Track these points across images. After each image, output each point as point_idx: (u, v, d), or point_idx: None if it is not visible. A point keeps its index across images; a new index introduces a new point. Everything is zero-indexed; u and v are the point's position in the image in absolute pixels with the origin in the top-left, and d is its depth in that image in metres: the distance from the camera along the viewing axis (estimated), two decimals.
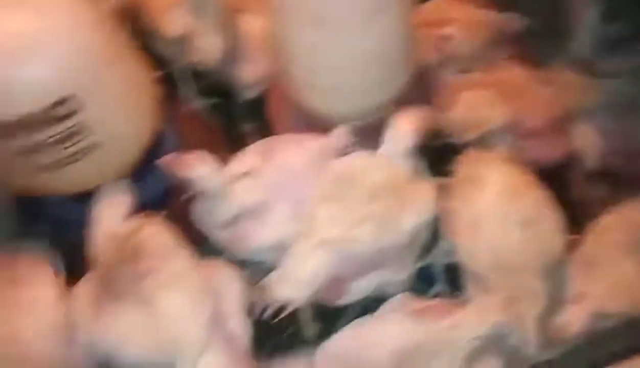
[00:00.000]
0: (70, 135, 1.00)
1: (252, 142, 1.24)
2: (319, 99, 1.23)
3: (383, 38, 1.13)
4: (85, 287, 1.00)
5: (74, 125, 1.00)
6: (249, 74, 1.47)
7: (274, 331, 1.30)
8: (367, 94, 1.21)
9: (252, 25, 1.45)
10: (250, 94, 1.55)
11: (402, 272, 1.13)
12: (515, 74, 1.41)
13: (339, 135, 1.19)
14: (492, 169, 1.14)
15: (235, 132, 1.65)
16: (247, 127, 1.64)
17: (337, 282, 1.07)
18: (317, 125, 1.24)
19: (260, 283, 1.06)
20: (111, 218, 1.03)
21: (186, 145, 1.36)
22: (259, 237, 1.11)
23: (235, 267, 1.14)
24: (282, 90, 1.38)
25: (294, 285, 1.02)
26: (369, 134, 1.19)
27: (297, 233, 1.07)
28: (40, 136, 0.98)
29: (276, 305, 1.20)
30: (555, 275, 1.09)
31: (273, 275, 1.05)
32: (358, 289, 1.10)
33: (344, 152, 1.20)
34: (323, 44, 1.11)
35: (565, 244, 1.10)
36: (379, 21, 1.09)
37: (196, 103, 1.56)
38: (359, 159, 1.13)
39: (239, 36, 1.44)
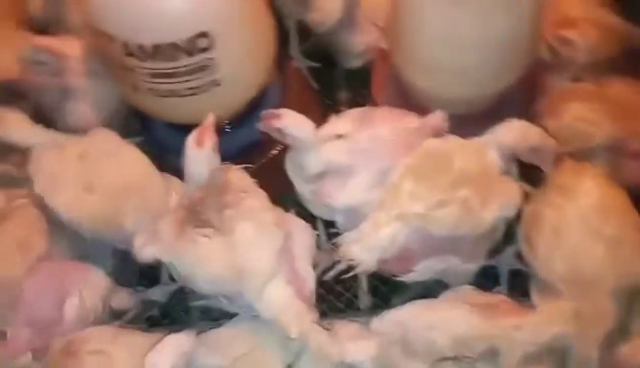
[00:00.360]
0: (198, 69, 1.08)
1: (347, 110, 1.26)
2: (429, 78, 1.23)
3: (518, 22, 1.09)
4: (173, 212, 1.09)
5: (203, 61, 1.07)
6: (358, 43, 1.52)
7: (333, 292, 1.38)
8: (481, 80, 1.19)
9: None
10: (354, 64, 1.60)
11: (471, 263, 1.14)
12: (628, 91, 1.34)
13: (437, 118, 1.19)
14: (587, 181, 1.11)
15: (332, 98, 1.73)
16: (344, 95, 1.72)
17: (406, 256, 1.10)
18: (419, 105, 1.25)
19: (334, 241, 1.11)
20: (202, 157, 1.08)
21: (285, 100, 1.44)
22: (338, 197, 1.15)
23: (309, 222, 1.21)
24: (388, 65, 1.39)
25: (366, 247, 1.06)
26: (469, 123, 1.19)
27: (378, 201, 1.10)
28: (175, 64, 1.06)
29: (343, 264, 1.29)
30: (630, 301, 1.06)
31: (348, 235, 1.09)
32: (424, 269, 1.12)
33: (438, 135, 1.20)
34: (457, 21, 1.08)
35: None
36: (520, 3, 1.05)
37: (301, 62, 1.63)
38: (454, 142, 1.13)
39: (357, 5, 1.47)
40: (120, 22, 1.03)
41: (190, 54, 1.06)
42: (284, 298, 1.04)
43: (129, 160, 1.17)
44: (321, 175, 1.16)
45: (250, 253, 1.03)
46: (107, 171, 1.14)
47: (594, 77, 1.36)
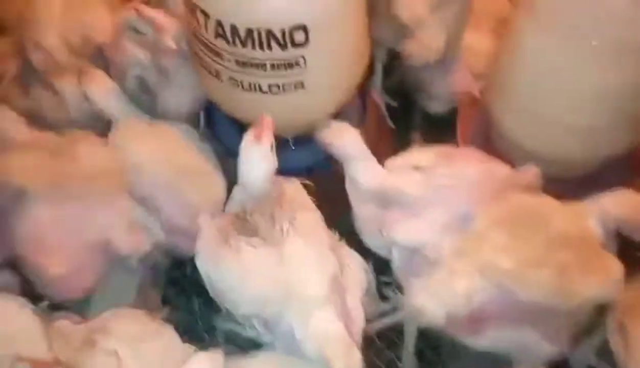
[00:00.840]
0: (287, 66, 1.01)
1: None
2: (531, 132, 1.12)
3: None
4: (219, 217, 1.01)
5: (294, 57, 1.00)
6: (448, 87, 1.42)
7: (373, 347, 1.23)
8: (593, 141, 1.07)
9: (472, 41, 1.39)
10: (437, 107, 1.50)
11: (551, 345, 0.97)
12: None
13: (532, 173, 1.07)
14: None
15: (405, 137, 1.65)
16: (418, 137, 1.63)
17: (480, 317, 0.94)
18: (509, 160, 1.12)
19: (399, 284, 0.98)
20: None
21: (362, 130, 1.35)
22: (403, 229, 1.04)
23: (362, 254, 1.09)
24: (478, 113, 1.30)
25: (437, 298, 0.92)
26: (564, 185, 1.05)
27: (455, 247, 0.97)
28: (265, 55, 0.99)
29: (392, 316, 1.14)
30: None
31: (417, 281, 0.96)
32: (496, 337, 0.96)
33: (529, 191, 1.07)
34: (574, 71, 0.99)
35: None
36: None
37: (380, 96, 1.55)
38: (552, 203, 1.00)
39: (456, 49, 1.38)
40: (218, 0, 0.97)
41: (283, 46, 0.98)
42: (333, 331, 0.90)
43: None
44: (386, 202, 1.06)
45: (301, 272, 0.93)
46: None
47: None
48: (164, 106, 1.23)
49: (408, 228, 1.03)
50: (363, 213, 1.09)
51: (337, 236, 1.05)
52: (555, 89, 1.03)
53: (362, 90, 1.32)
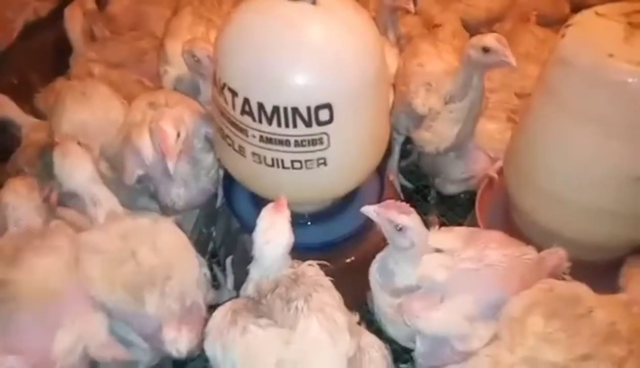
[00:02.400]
0: (312, 141, 0.99)
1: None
2: (555, 215, 1.07)
3: None
4: (232, 301, 0.96)
5: (319, 134, 0.99)
6: (464, 171, 1.40)
7: None
8: (620, 225, 1.01)
9: (487, 127, 1.39)
10: (453, 190, 1.48)
11: None
12: None
13: (559, 256, 1.01)
14: None
15: (421, 218, 1.59)
16: (433, 219, 1.59)
17: None
18: (530, 240, 1.07)
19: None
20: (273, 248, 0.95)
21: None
22: (428, 318, 0.95)
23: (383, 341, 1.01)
24: (494, 195, 1.27)
25: None
26: (591, 272, 0.99)
27: (492, 335, 0.90)
28: (290, 132, 0.98)
29: None
30: None
31: None
32: None
33: (554, 276, 1.01)
34: (600, 152, 0.96)
35: None
36: None
37: (397, 179, 1.55)
38: (589, 291, 0.92)
39: (471, 136, 1.38)
40: (245, 78, 0.97)
41: (308, 123, 0.97)
42: None
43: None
44: (410, 290, 0.98)
45: (313, 353, 0.87)
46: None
47: None
48: (168, 203, 1.21)
49: (432, 318, 0.95)
50: (386, 306, 1.02)
51: (356, 318, 0.98)
52: (579, 172, 1.00)
53: (380, 170, 1.30)
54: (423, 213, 1.54)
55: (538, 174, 1.07)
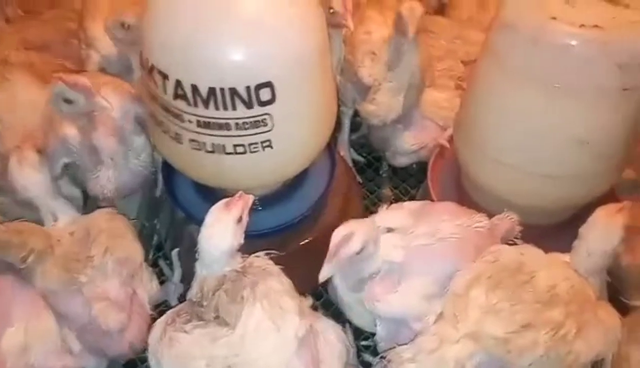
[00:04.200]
0: (254, 123, 0.93)
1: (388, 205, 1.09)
2: (506, 182, 1.07)
3: (620, 123, 0.95)
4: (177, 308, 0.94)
5: (261, 115, 0.92)
6: (412, 142, 1.39)
7: None
8: (569, 188, 1.02)
9: (434, 96, 1.38)
10: (404, 161, 1.47)
11: None
12: None
13: (511, 221, 1.02)
14: None
15: (374, 192, 1.59)
16: (387, 192, 1.57)
17: None
18: (483, 210, 1.06)
19: (388, 354, 0.88)
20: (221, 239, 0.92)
21: (328, 190, 1.29)
22: (388, 302, 0.95)
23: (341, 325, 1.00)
24: (448, 164, 1.26)
25: None
26: (542, 236, 1.00)
27: (440, 312, 0.89)
28: (229, 114, 0.91)
29: None
30: None
31: (402, 349, 0.86)
32: None
33: (507, 241, 1.02)
34: (552, 116, 0.95)
35: None
36: (629, 98, 0.91)
37: (348, 153, 1.52)
38: (535, 255, 0.93)
39: (416, 106, 1.36)
40: (176, 58, 0.89)
41: (248, 105, 0.90)
42: None
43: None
44: (373, 276, 0.96)
45: (255, 339, 0.85)
46: None
47: None
48: (97, 188, 1.13)
49: (391, 301, 0.94)
50: (352, 301, 1.00)
51: (309, 302, 0.96)
52: (525, 136, 0.99)
53: (331, 147, 1.27)
54: (376, 187, 1.55)
55: (485, 141, 1.06)
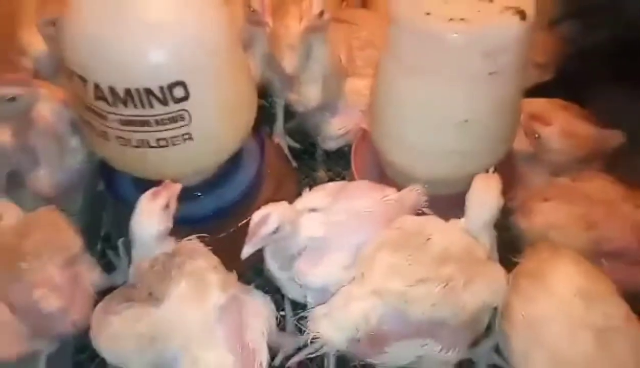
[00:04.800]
0: (172, 119, 1.02)
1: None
2: (407, 157, 1.19)
3: (498, 106, 1.08)
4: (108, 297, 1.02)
5: (178, 111, 1.01)
6: (338, 127, 1.50)
7: None
8: (457, 161, 1.15)
9: (356, 84, 1.49)
10: (332, 146, 1.57)
11: (451, 352, 1.00)
12: (606, 189, 1.30)
13: (415, 192, 1.14)
14: (566, 266, 1.02)
15: (310, 176, 1.69)
16: (322, 175, 1.67)
17: (380, 337, 0.96)
18: (398, 185, 1.18)
19: (304, 314, 0.99)
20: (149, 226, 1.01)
21: (261, 174, 1.39)
22: (313, 274, 1.05)
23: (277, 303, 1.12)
24: (369, 145, 1.36)
25: (337, 323, 0.94)
26: (446, 205, 1.12)
27: (351, 274, 1.00)
28: (147, 112, 1.00)
29: (309, 349, 1.14)
30: None
31: (319, 309, 0.97)
32: (398, 353, 0.98)
33: (415, 211, 1.15)
34: (434, 102, 1.07)
35: None
36: (496, 81, 1.03)
37: (283, 140, 1.62)
38: (434, 222, 1.06)
39: (339, 94, 1.47)
40: (92, 63, 0.97)
41: (164, 102, 0.99)
42: (223, 364, 0.91)
43: None
44: (300, 252, 1.06)
45: (178, 311, 0.94)
46: None
47: (572, 172, 1.33)
48: (35, 187, 1.20)
49: (316, 274, 1.05)
50: (284, 279, 1.09)
51: (235, 276, 1.05)
52: (418, 118, 1.11)
53: (259, 133, 1.37)
54: (312, 170, 1.66)
55: (388, 123, 1.18)
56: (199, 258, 1.00)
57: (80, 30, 0.97)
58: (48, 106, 1.17)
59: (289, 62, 1.36)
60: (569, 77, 1.70)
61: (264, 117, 1.47)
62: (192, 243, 1.04)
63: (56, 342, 1.11)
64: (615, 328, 0.94)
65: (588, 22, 1.72)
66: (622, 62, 1.52)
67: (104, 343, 0.96)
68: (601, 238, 1.17)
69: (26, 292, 1.00)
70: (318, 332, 0.94)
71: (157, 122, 1.02)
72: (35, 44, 1.31)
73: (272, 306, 1.09)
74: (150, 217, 0.99)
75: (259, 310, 1.03)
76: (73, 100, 1.09)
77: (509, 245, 1.19)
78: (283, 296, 1.19)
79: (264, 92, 1.54)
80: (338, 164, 1.64)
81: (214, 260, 1.02)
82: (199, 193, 1.30)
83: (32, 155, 1.17)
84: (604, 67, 1.62)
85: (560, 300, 0.98)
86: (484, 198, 1.02)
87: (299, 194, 1.26)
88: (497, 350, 1.08)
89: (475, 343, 1.08)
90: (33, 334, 1.05)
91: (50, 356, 1.11)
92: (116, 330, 0.95)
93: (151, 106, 0.99)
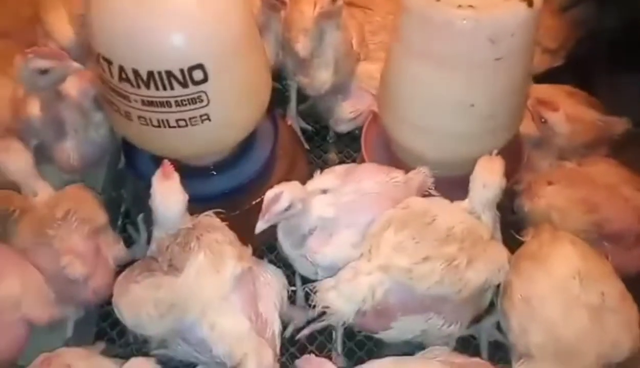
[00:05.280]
0: (190, 101, 1.06)
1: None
2: (415, 139, 1.22)
3: (504, 90, 1.10)
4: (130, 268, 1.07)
5: (196, 93, 1.06)
6: (349, 110, 1.55)
7: (305, 352, 1.28)
8: (464, 144, 1.18)
9: (368, 68, 1.52)
10: (344, 128, 1.61)
11: (454, 326, 1.05)
12: (609, 173, 1.33)
13: (422, 173, 1.18)
14: (565, 247, 1.05)
15: (321, 158, 1.72)
16: (333, 156, 1.71)
17: (386, 311, 1.01)
18: (407, 166, 1.22)
19: (313, 287, 1.03)
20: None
21: (274, 155, 1.44)
22: (323, 252, 1.10)
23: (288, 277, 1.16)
24: (379, 128, 1.39)
25: (344, 295, 0.99)
26: (452, 186, 1.16)
27: (359, 252, 1.05)
28: (168, 94, 1.05)
29: (318, 323, 1.20)
30: None
31: (325, 281, 1.02)
32: (404, 327, 1.03)
33: (422, 192, 1.19)
34: (442, 86, 1.10)
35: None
36: (502, 67, 1.05)
37: (295, 122, 1.65)
38: (439, 203, 1.10)
39: (350, 78, 1.51)
40: (117, 46, 1.02)
41: (184, 84, 1.04)
42: (240, 331, 0.97)
43: None
44: (311, 231, 1.10)
45: (195, 280, 0.99)
46: None
47: (577, 156, 1.35)
48: (61, 159, 1.26)
49: (326, 252, 1.09)
50: (295, 256, 1.14)
51: (250, 250, 1.11)
52: (427, 102, 1.14)
53: (273, 115, 1.41)
54: (323, 152, 1.71)
55: (398, 107, 1.21)
56: (216, 232, 1.05)
57: (107, 16, 1.01)
58: (76, 81, 1.22)
59: (302, 47, 1.40)
60: (579, 62, 1.72)
61: (277, 99, 1.51)
62: (210, 218, 1.10)
63: (82, 310, 1.19)
64: (610, 308, 0.98)
65: (602, 5, 1.72)
66: (634, 47, 1.53)
67: (124, 308, 1.02)
68: (602, 220, 1.20)
69: (55, 259, 1.07)
70: (326, 303, 0.98)
71: (177, 103, 1.06)
72: (63, 30, 1.36)
73: (284, 280, 1.14)
74: (172, 196, 1.04)
75: (271, 283, 1.09)
76: (98, 81, 1.14)
77: (515, 226, 1.23)
78: (294, 272, 1.24)
79: (277, 75, 1.57)
80: (349, 146, 1.68)
81: (230, 234, 1.08)
82: (214, 172, 1.35)
83: (59, 127, 1.23)
84: (615, 52, 1.63)
85: (558, 280, 1.02)
86: (487, 179, 1.06)
87: (310, 175, 1.31)
88: (499, 327, 1.13)
89: (477, 319, 1.13)
90: (60, 300, 1.12)
91: (76, 322, 1.19)
92: (136, 297, 1.00)
93: (172, 88, 1.04)
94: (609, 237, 1.22)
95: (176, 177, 1.05)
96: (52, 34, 1.43)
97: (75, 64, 1.13)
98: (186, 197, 1.06)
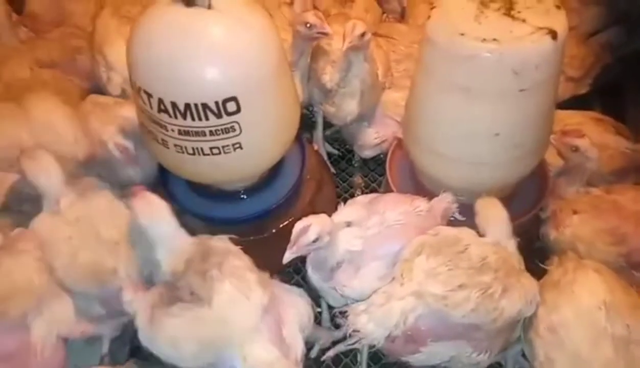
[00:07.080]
0: (224, 130, 1.11)
1: (356, 196, 1.29)
2: (440, 168, 1.23)
3: (523, 117, 1.10)
4: (149, 293, 1.06)
5: (230, 123, 1.10)
6: (374, 137, 1.57)
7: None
8: (490, 173, 1.18)
9: (393, 96, 1.55)
10: (369, 154, 1.64)
11: (483, 355, 1.04)
12: (638, 201, 1.31)
13: (446, 201, 1.19)
14: (590, 276, 1.04)
15: (347, 182, 1.76)
16: (358, 181, 1.74)
17: (416, 336, 1.02)
18: (431, 193, 1.23)
19: (345, 309, 1.05)
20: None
21: (301, 180, 1.46)
22: (351, 286, 1.11)
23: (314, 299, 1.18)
24: (403, 154, 1.41)
25: (376, 319, 0.99)
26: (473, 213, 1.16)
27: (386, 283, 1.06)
28: (203, 124, 1.09)
29: (344, 344, 1.20)
30: None
31: (357, 305, 1.03)
32: (433, 353, 1.03)
33: (446, 219, 1.19)
34: (468, 115, 1.11)
35: None
36: (526, 97, 1.06)
37: (322, 147, 1.69)
38: (468, 232, 1.10)
39: (375, 106, 1.54)
40: (157, 80, 1.07)
41: (218, 115, 1.08)
42: (269, 357, 0.97)
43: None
44: (339, 265, 1.12)
45: (229, 312, 1.00)
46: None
47: (604, 183, 1.34)
48: (130, 181, 1.35)
49: (354, 286, 1.10)
50: (325, 289, 1.15)
51: (267, 275, 1.10)
52: (451, 131, 1.16)
53: (300, 140, 1.44)
54: (349, 176, 1.73)
55: (423, 136, 1.23)
56: (232, 257, 1.05)
57: (147, 52, 1.07)
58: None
59: (330, 78, 1.44)
60: (607, 88, 1.70)
61: (304, 124, 1.54)
62: (223, 242, 1.09)
63: (119, 328, 1.23)
64: (635, 340, 0.96)
65: (631, 29, 1.71)
66: None
67: (163, 344, 0.99)
68: (630, 250, 1.18)
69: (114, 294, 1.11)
70: (357, 326, 0.99)
71: (211, 133, 1.11)
72: (120, 69, 1.44)
73: (309, 300, 1.14)
74: (161, 214, 1.06)
75: (294, 307, 1.09)
76: (138, 112, 1.20)
77: (540, 254, 1.23)
78: (320, 295, 1.25)
79: (305, 101, 1.62)
80: (374, 170, 1.70)
81: (246, 258, 1.07)
82: (245, 196, 1.39)
83: (127, 154, 1.33)
84: None
85: (584, 310, 1.01)
86: (492, 216, 1.08)
87: (337, 197, 1.32)
88: (524, 354, 1.12)
89: (504, 347, 1.12)
90: (106, 315, 1.16)
91: (112, 340, 1.23)
92: (177, 334, 0.98)
93: (207, 118, 1.08)
94: (638, 266, 1.20)
95: (148, 197, 1.07)
96: (113, 65, 1.51)
97: None
98: (166, 215, 1.08)
